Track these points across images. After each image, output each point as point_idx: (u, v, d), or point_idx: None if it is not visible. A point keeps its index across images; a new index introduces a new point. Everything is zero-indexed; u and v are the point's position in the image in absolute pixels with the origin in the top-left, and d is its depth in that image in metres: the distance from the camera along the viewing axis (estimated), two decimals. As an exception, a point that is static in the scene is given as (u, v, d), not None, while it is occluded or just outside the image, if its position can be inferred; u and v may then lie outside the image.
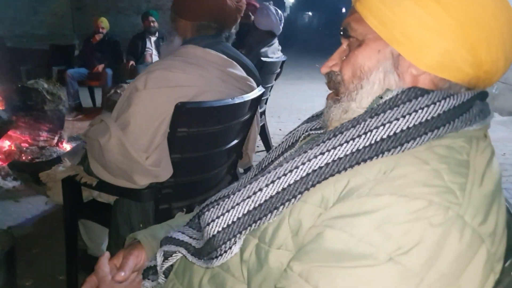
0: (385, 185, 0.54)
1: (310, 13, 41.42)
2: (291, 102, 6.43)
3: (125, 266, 0.83)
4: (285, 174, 0.63)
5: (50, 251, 2.14)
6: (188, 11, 1.49)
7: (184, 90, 1.35)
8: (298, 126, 0.86)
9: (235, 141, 1.66)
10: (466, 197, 0.52)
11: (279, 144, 0.85)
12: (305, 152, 0.63)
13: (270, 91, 3.33)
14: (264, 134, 3.49)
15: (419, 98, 0.60)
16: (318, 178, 0.61)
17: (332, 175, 0.60)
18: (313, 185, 0.61)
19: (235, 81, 1.51)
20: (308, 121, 0.86)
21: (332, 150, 0.61)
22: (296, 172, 0.62)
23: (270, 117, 4.78)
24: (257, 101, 1.64)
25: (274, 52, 3.38)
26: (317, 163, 0.61)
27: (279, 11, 3.35)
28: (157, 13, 5.72)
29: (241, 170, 1.95)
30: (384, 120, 0.59)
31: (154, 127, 1.33)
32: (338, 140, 0.61)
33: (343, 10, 32.46)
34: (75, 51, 6.53)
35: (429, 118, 0.58)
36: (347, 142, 0.60)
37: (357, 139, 0.60)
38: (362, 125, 0.61)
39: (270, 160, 0.84)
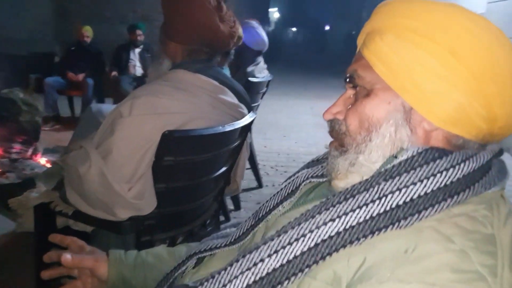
0: (409, 269, 0.47)
1: (294, 29, 41.90)
2: (277, 119, 6.42)
3: (77, 255, 0.82)
4: (290, 243, 0.55)
5: (17, 278, 1.99)
6: (179, 34, 1.41)
7: (172, 117, 1.26)
8: (298, 172, 0.79)
9: (224, 169, 1.57)
10: (498, 284, 0.46)
11: (278, 192, 0.78)
12: (313, 217, 0.56)
13: (256, 110, 3.28)
14: (249, 151, 3.42)
15: (437, 161, 0.55)
16: (328, 249, 0.53)
17: (344, 246, 0.53)
18: (322, 258, 0.54)
19: (226, 108, 1.44)
20: (308, 166, 0.80)
21: (344, 217, 0.54)
22: (303, 241, 0.55)
23: (256, 134, 4.73)
24: (248, 128, 1.57)
25: (260, 71, 3.32)
26: (327, 232, 0.54)
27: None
28: (144, 25, 5.64)
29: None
30: (400, 184, 0.54)
31: (138, 156, 1.24)
32: (350, 205, 0.55)
33: (327, 27, 32.92)
34: (55, 58, 6.36)
35: (448, 183, 0.53)
36: (359, 207, 0.54)
37: (370, 205, 0.54)
38: (376, 189, 0.55)
39: (268, 209, 0.76)
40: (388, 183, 0.54)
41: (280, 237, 0.57)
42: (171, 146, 1.25)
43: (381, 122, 0.60)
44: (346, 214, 0.54)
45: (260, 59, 3.35)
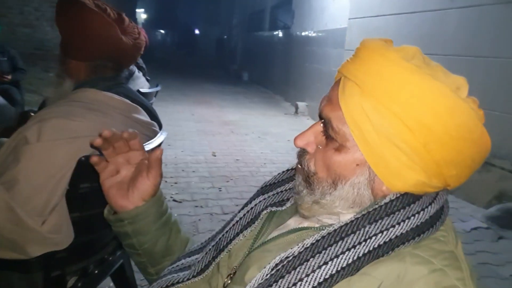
0: None
1: (162, 31, 41.16)
2: (157, 127, 6.23)
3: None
4: None
5: None
6: (79, 51, 1.32)
7: (87, 142, 1.17)
8: (254, 199, 0.82)
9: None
10: None
11: (237, 221, 0.80)
12: (307, 260, 0.60)
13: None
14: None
15: (412, 205, 0.62)
16: None
17: (333, 284, 0.58)
18: None
19: (140, 127, 1.39)
20: (263, 192, 0.83)
21: (335, 259, 0.59)
22: (300, 285, 0.58)
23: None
24: (159, 146, 1.54)
25: (136, 80, 3.17)
26: (321, 275, 0.58)
27: None
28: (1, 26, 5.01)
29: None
30: (382, 227, 0.61)
31: (51, 186, 1.13)
32: (340, 247, 0.60)
33: (196, 31, 33.08)
34: None
35: (419, 224, 0.61)
36: (348, 249, 0.59)
37: (358, 246, 0.59)
38: (362, 232, 0.61)
39: (229, 239, 0.78)
40: (372, 226, 0.61)
41: (279, 283, 0.59)
42: (88, 172, 1.17)
43: (347, 178, 0.65)
44: (337, 256, 0.59)
45: (134, 69, 3.20)
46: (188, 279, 0.77)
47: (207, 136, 6.16)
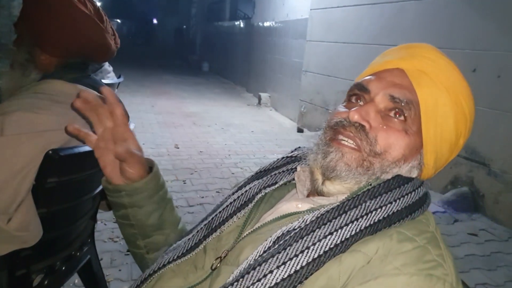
0: (393, 265, 0.58)
1: (119, 21, 39.94)
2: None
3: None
4: (296, 255, 0.61)
5: None
6: (57, 47, 1.25)
7: (53, 135, 1.13)
8: (248, 183, 0.84)
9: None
10: (448, 267, 0.60)
11: (231, 203, 0.80)
12: (313, 231, 0.63)
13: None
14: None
15: (405, 185, 0.68)
16: (327, 259, 0.61)
17: (336, 255, 0.61)
18: (321, 266, 0.61)
19: (108, 119, 1.35)
20: (257, 177, 0.85)
21: (339, 230, 0.62)
22: (307, 253, 0.61)
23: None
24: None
25: (107, 74, 3.12)
26: (327, 244, 0.61)
27: None
28: None
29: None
30: (381, 202, 0.65)
31: (16, 182, 1.08)
32: (344, 219, 0.63)
33: (155, 21, 32.33)
34: None
35: (411, 203, 0.67)
36: (351, 222, 0.63)
37: (360, 219, 0.63)
38: (363, 206, 0.65)
39: (222, 219, 0.79)
40: (373, 201, 0.65)
41: (287, 250, 0.61)
42: (55, 167, 1.13)
43: (407, 160, 0.72)
44: (341, 228, 0.62)
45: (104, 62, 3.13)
46: (178, 258, 0.77)
47: (169, 128, 6.07)
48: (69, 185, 1.24)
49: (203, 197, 3.61)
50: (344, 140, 0.70)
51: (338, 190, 0.71)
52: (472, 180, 3.70)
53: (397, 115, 0.71)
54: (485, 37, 3.61)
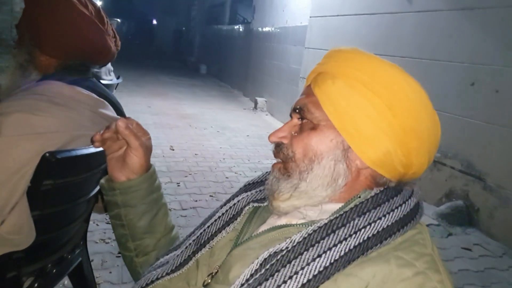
0: None
1: (118, 20, 39.90)
2: (113, 118, 6.04)
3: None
4: (285, 282, 0.59)
5: None
6: (56, 49, 1.23)
7: (52, 137, 1.11)
8: (237, 195, 0.83)
9: (98, 187, 1.46)
10: None
11: (219, 217, 0.80)
12: (301, 254, 0.61)
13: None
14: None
15: (395, 198, 0.66)
16: (317, 283, 0.59)
17: (328, 278, 0.59)
18: None
19: (107, 122, 1.31)
20: (246, 189, 0.84)
21: (328, 252, 0.60)
22: (296, 278, 0.59)
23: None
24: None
25: (107, 74, 3.12)
26: (316, 267, 0.59)
27: None
28: None
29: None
30: (370, 219, 0.64)
31: (11, 183, 1.06)
32: (332, 240, 0.62)
33: (154, 21, 32.30)
34: None
35: (401, 216, 0.65)
36: (340, 242, 0.61)
37: (349, 239, 0.61)
38: (351, 224, 0.63)
39: (210, 234, 0.78)
40: (361, 219, 0.63)
41: (275, 276, 0.60)
42: (51, 169, 1.11)
43: (323, 155, 0.69)
44: (330, 249, 0.60)
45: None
46: (167, 274, 0.76)
47: (164, 130, 6.04)
48: (64, 187, 1.22)
49: (196, 201, 3.59)
50: (276, 160, 0.75)
51: (288, 206, 0.71)
52: (467, 194, 3.71)
53: (303, 120, 0.72)
54: (484, 51, 3.63)
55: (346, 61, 0.72)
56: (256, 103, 8.76)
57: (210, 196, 3.73)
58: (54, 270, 1.40)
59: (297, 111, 0.73)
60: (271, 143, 0.75)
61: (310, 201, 0.70)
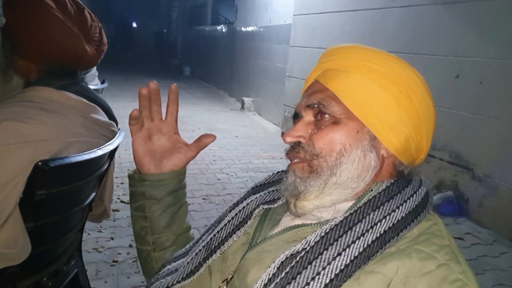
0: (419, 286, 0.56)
1: (98, 24, 39.40)
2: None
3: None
4: (308, 284, 0.58)
5: None
6: (34, 55, 1.20)
7: (43, 146, 1.07)
8: (245, 198, 0.81)
9: (93, 195, 1.42)
10: (472, 284, 0.58)
11: (229, 221, 0.78)
12: (321, 254, 0.60)
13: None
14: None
15: (406, 189, 0.66)
16: (340, 282, 0.58)
17: (350, 276, 0.58)
18: None
19: (99, 128, 1.30)
20: (254, 192, 0.82)
21: (347, 249, 0.60)
22: (319, 279, 0.58)
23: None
24: (116, 148, 1.45)
25: (93, 79, 3.05)
26: (337, 266, 0.59)
27: None
28: None
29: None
30: (385, 212, 0.63)
31: (3, 195, 1.01)
32: (350, 237, 0.61)
33: (134, 24, 31.99)
34: None
35: (414, 206, 0.65)
36: (358, 238, 0.61)
37: (366, 234, 0.61)
38: (367, 219, 0.63)
39: (221, 239, 0.76)
40: (376, 213, 0.63)
41: (297, 279, 0.58)
42: (44, 178, 1.07)
43: (352, 147, 0.68)
44: (349, 246, 0.60)
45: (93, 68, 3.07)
46: (178, 282, 0.74)
47: (152, 134, 5.97)
48: (58, 197, 1.18)
49: (189, 204, 3.53)
50: (293, 161, 0.73)
51: (315, 206, 0.69)
52: (457, 184, 3.75)
53: (321, 116, 0.71)
54: (467, 44, 3.67)
55: (356, 55, 0.72)
56: (243, 103, 8.73)
57: (203, 199, 3.70)
58: (50, 283, 1.36)
59: (315, 106, 0.72)
60: (288, 143, 0.73)
61: (342, 194, 0.69)
